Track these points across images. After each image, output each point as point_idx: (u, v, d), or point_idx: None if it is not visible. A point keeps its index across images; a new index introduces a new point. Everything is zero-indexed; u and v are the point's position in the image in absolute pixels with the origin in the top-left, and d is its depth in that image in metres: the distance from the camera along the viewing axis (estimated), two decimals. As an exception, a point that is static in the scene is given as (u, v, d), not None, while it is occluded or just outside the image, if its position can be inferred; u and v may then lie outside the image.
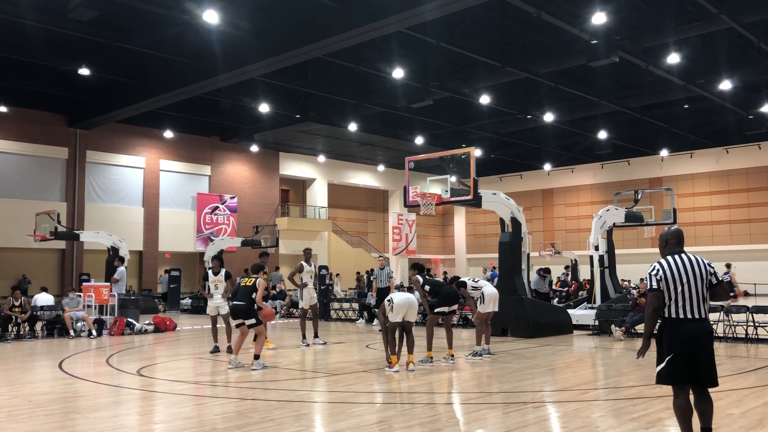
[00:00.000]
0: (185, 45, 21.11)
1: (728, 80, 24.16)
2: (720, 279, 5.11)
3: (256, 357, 10.25)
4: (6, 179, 28.04)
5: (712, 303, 5.24)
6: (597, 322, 15.10)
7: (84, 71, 23.02)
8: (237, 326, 10.50)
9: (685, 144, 35.97)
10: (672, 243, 5.21)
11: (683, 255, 5.11)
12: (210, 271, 12.36)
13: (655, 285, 5.06)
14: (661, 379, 5.04)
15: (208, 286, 12.33)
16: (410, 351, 9.82)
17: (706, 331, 5.00)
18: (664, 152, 37.61)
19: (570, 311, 16.14)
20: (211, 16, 17.64)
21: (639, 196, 20.61)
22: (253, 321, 10.37)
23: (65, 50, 22.24)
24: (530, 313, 14.57)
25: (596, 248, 16.88)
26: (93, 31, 20.04)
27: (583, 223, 40.16)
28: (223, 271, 12.31)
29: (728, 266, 25.26)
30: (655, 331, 5.15)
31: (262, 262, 13.01)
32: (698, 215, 37.98)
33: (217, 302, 12.27)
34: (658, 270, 5.07)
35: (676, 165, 38.92)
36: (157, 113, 28.86)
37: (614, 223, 17.84)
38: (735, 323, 13.23)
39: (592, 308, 16.15)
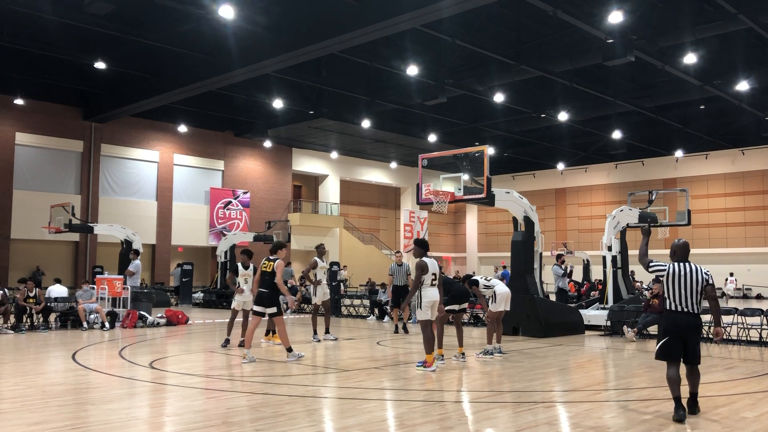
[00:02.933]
0: (200, 40, 21.19)
1: (745, 81, 23.95)
2: (711, 282, 6.67)
3: (289, 350, 10.44)
4: (22, 171, 28.29)
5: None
6: (609, 323, 15.03)
7: (100, 65, 23.20)
8: (253, 313, 10.48)
9: (700, 145, 35.70)
10: (679, 253, 6.78)
11: (686, 264, 6.68)
12: (240, 265, 12.39)
13: (653, 267, 6.72)
14: (659, 355, 6.67)
15: (238, 281, 12.31)
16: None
17: (697, 324, 6.64)
18: (679, 153, 37.35)
19: (582, 311, 16.07)
20: (226, 12, 17.70)
21: (653, 197, 20.43)
22: (274, 310, 10.36)
23: (82, 44, 22.39)
24: (542, 312, 14.52)
25: (609, 249, 16.78)
26: (109, 25, 20.17)
27: (596, 223, 39.99)
28: (252, 266, 12.34)
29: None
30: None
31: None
32: (713, 217, 37.70)
33: (245, 297, 12.20)
34: (664, 269, 6.69)
35: (691, 166, 38.63)
36: (172, 107, 29.01)
37: (628, 224, 17.73)
38: (749, 326, 13.13)
39: (604, 309, 16.08)
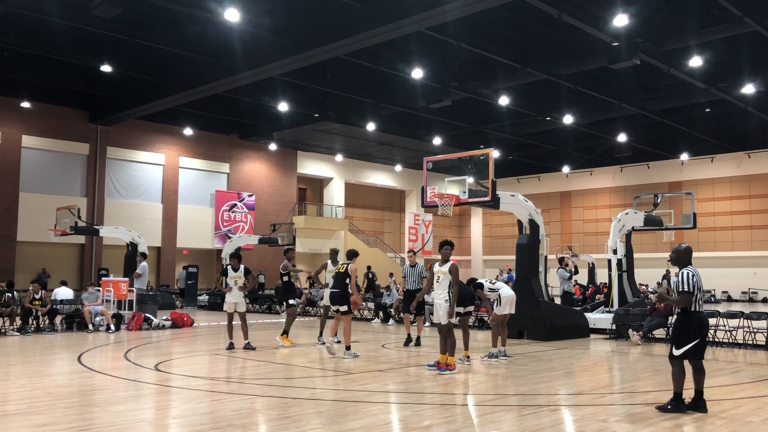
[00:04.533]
0: (206, 43, 21.24)
1: (751, 84, 23.88)
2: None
3: (348, 348, 11.10)
4: (28, 174, 28.39)
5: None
6: (614, 326, 14.99)
7: (106, 68, 23.27)
8: (334, 312, 11.57)
9: (706, 148, 35.59)
10: (688, 258, 7.11)
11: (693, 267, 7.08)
12: (229, 268, 12.50)
13: (692, 289, 6.81)
14: (690, 355, 6.80)
15: (227, 282, 12.45)
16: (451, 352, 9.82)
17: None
18: (684, 156, 37.25)
19: (587, 315, 16.04)
20: (232, 15, 17.75)
21: (658, 200, 20.41)
22: (345, 308, 11.24)
23: (88, 47, 22.48)
24: (547, 315, 14.50)
25: (614, 252, 16.75)
26: (116, 28, 20.24)
27: (601, 227, 39.88)
28: (242, 268, 12.46)
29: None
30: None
31: (289, 256, 13.19)
32: (718, 220, 37.57)
33: (235, 299, 12.39)
34: (694, 275, 6.88)
35: (696, 169, 38.53)
36: (178, 110, 29.09)
37: (633, 227, 17.70)
38: (755, 330, 13.08)
39: (609, 312, 16.04)
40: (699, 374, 6.89)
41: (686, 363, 6.95)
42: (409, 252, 14.24)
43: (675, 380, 6.94)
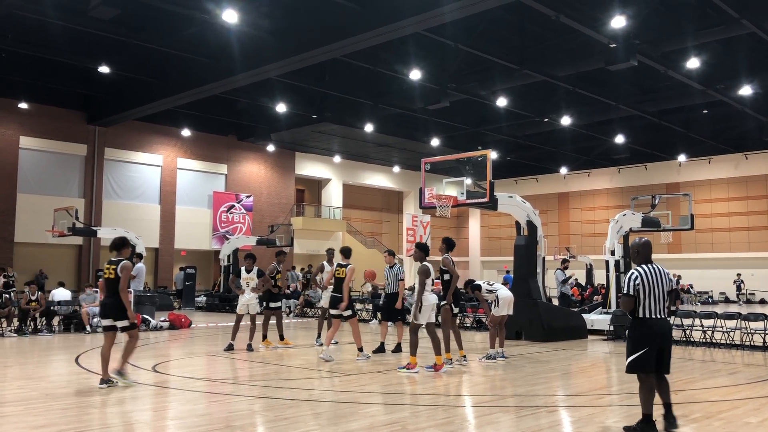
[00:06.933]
0: (204, 44, 21.24)
1: (748, 85, 23.91)
2: (674, 286, 6.26)
3: (360, 349, 11.13)
4: (26, 175, 28.35)
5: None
6: (612, 327, 15.00)
7: (104, 69, 23.25)
8: (333, 317, 11.37)
9: (703, 149, 35.65)
10: (643, 254, 6.17)
11: (653, 265, 6.11)
12: (243, 269, 12.49)
13: (631, 291, 6.02)
14: (634, 368, 6.03)
15: (239, 284, 12.42)
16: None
17: (670, 328, 6.22)
18: (681, 157, 37.30)
19: (585, 316, 16.05)
20: (230, 16, 17.75)
21: (656, 201, 20.43)
22: (349, 312, 11.16)
23: (86, 48, 22.46)
24: (545, 317, 14.51)
25: (612, 253, 16.77)
26: (113, 30, 20.22)
27: (599, 228, 39.93)
28: (255, 269, 12.42)
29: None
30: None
31: (280, 260, 13.11)
32: (716, 221, 37.64)
33: (248, 300, 12.33)
34: (637, 276, 6.02)
35: (694, 170, 38.60)
36: (175, 112, 29.08)
37: (631, 228, 17.72)
38: (752, 331, 13.10)
39: (607, 313, 16.05)
40: (646, 392, 6.01)
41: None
42: (385, 252, 12.77)
43: (645, 399, 6.05)
